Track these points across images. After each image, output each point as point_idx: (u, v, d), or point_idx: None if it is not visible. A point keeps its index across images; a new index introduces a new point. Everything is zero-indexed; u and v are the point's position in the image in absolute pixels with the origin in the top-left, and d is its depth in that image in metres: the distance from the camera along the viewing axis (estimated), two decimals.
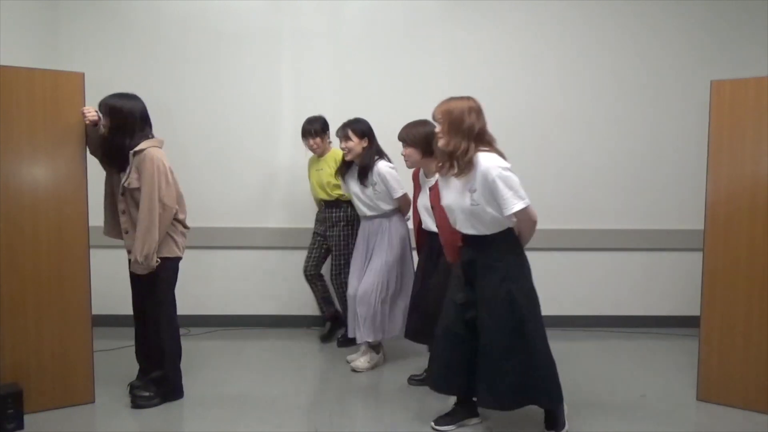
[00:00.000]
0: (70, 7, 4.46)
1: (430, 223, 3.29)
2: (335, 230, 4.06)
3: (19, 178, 2.97)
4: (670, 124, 4.57)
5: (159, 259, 3.02)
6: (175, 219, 3.10)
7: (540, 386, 2.72)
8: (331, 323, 4.27)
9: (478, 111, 2.68)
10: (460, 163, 2.62)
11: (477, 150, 2.63)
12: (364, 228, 3.80)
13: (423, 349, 3.62)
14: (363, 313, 3.58)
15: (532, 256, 4.53)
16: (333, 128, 3.83)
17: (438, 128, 2.68)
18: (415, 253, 3.71)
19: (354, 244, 3.89)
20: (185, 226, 3.20)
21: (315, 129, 4.00)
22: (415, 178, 3.48)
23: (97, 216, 3.19)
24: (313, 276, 4.20)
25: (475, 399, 3.02)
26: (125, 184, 3.01)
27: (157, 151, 3.02)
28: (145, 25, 4.50)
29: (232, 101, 4.54)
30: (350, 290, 3.71)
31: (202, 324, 4.53)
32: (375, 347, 3.79)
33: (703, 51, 4.52)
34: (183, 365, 3.28)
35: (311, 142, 4.02)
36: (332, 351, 4.01)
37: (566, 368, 3.78)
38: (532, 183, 4.52)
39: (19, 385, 2.95)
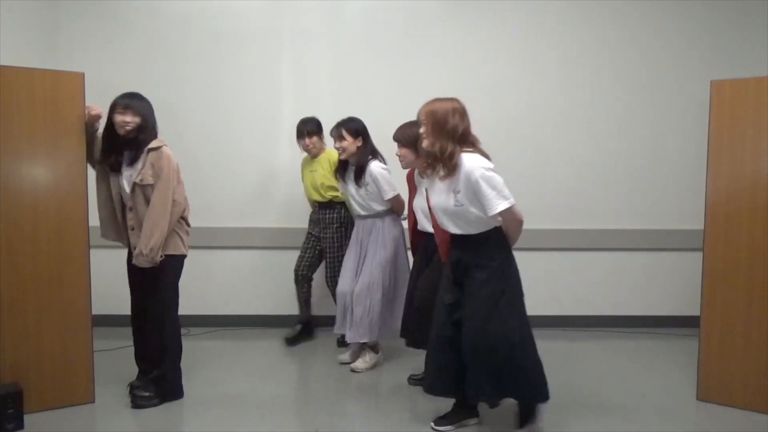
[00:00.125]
0: (70, 7, 4.46)
1: (425, 224, 3.28)
2: (329, 232, 4.05)
3: (19, 178, 2.97)
4: (670, 124, 4.58)
5: (163, 255, 3.04)
6: (181, 217, 3.14)
7: (523, 382, 2.71)
8: (301, 327, 4.25)
9: (462, 112, 2.68)
10: (447, 166, 2.63)
11: (461, 151, 2.64)
12: (357, 228, 3.80)
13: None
14: (358, 314, 3.58)
15: (532, 256, 4.62)
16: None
17: (422, 129, 2.68)
18: (410, 254, 3.70)
19: (348, 246, 3.89)
20: (188, 224, 3.23)
21: (309, 129, 3.99)
22: (410, 178, 3.48)
23: (97, 216, 3.19)
24: (303, 277, 4.18)
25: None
26: (137, 180, 3.02)
27: (169, 150, 3.08)
28: (145, 25, 4.50)
29: (231, 101, 4.54)
30: (340, 288, 3.70)
31: (202, 324, 4.53)
32: (374, 347, 3.80)
33: (703, 51, 4.52)
34: (183, 365, 3.28)
35: (307, 142, 4.01)
36: (332, 351, 4.01)
37: (566, 368, 3.80)
38: (532, 183, 4.59)
39: (19, 385, 2.95)
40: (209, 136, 4.52)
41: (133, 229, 3.08)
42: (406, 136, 3.25)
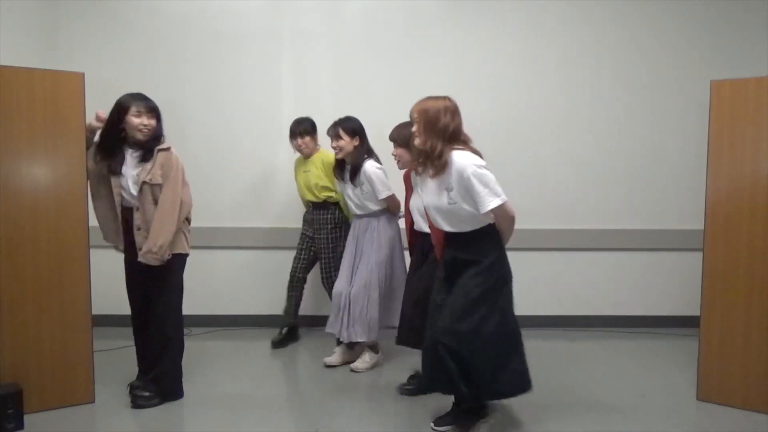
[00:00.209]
0: (70, 7, 4.46)
1: (421, 224, 3.28)
2: (323, 233, 4.05)
3: (19, 178, 2.97)
4: (670, 124, 4.58)
5: (170, 254, 3.06)
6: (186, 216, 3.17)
7: (496, 380, 2.70)
8: (288, 331, 4.25)
9: (453, 111, 2.68)
10: (436, 165, 2.63)
11: (451, 149, 2.64)
12: (354, 227, 3.80)
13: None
14: (355, 313, 3.58)
15: (532, 256, 4.63)
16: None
17: (414, 127, 2.69)
18: (407, 254, 3.70)
19: (342, 247, 3.88)
20: (189, 223, 3.25)
21: (302, 130, 3.98)
22: (407, 179, 3.48)
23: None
24: (300, 279, 4.18)
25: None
26: (147, 179, 3.03)
27: (175, 151, 3.13)
28: (145, 25, 4.50)
29: (231, 101, 4.54)
30: (336, 287, 3.70)
31: (202, 324, 4.53)
32: (373, 347, 3.80)
33: (703, 51, 4.52)
34: (183, 365, 3.28)
35: (299, 142, 4.00)
36: (332, 351, 4.00)
37: (566, 368, 3.81)
38: (532, 183, 4.59)
39: (19, 385, 2.95)
40: (209, 135, 4.52)
41: (139, 229, 3.08)
42: (402, 136, 3.25)
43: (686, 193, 4.48)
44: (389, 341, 3.79)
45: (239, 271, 4.64)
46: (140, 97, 3.08)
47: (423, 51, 4.52)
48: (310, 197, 4.07)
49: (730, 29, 4.51)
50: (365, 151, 3.66)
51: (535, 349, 4.17)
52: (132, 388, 3.21)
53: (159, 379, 3.19)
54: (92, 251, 3.15)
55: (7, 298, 2.96)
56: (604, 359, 3.99)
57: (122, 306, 3.29)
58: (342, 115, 3.73)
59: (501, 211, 2.62)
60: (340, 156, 3.67)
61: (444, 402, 3.00)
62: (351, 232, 3.81)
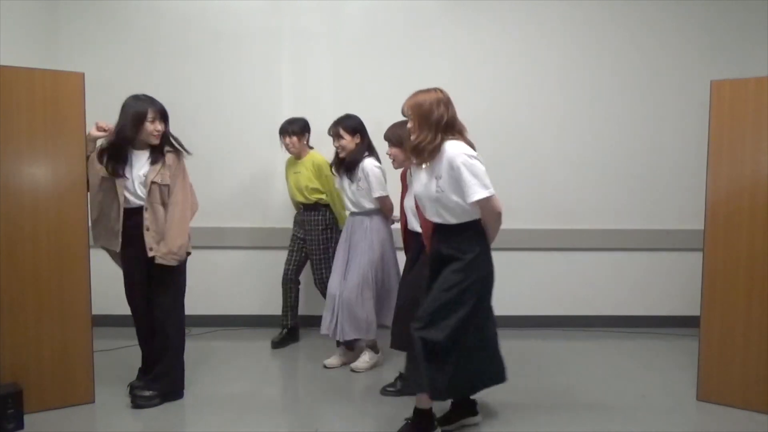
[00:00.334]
0: (70, 7, 4.47)
1: (414, 223, 3.28)
2: (313, 234, 4.05)
3: (19, 178, 2.97)
4: (670, 124, 4.58)
5: (189, 252, 3.13)
6: None
7: (465, 376, 2.69)
8: (287, 332, 4.25)
9: (446, 102, 2.67)
10: (424, 152, 2.62)
11: (445, 139, 2.63)
12: (347, 225, 3.79)
13: None
14: (349, 312, 3.57)
15: (532, 256, 4.64)
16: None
17: (409, 124, 2.68)
18: (400, 254, 3.70)
19: (333, 248, 3.88)
20: None
21: (293, 129, 3.99)
22: (403, 178, 3.47)
23: None
24: (292, 280, 4.19)
25: (472, 398, 3.03)
26: (157, 180, 3.06)
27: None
28: (145, 25, 4.51)
29: (231, 101, 4.54)
30: (329, 288, 3.70)
31: (202, 324, 4.53)
32: (373, 347, 3.80)
33: (703, 51, 4.52)
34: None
35: (287, 140, 4.01)
36: (332, 351, 4.00)
37: (566, 368, 3.81)
38: (532, 182, 4.59)
39: (19, 385, 2.95)
40: (209, 135, 4.52)
41: (148, 229, 3.09)
42: (397, 136, 3.25)
43: (686, 193, 4.48)
44: (388, 341, 3.79)
45: (239, 271, 4.64)
46: (150, 101, 3.10)
47: (423, 51, 4.52)
48: (300, 198, 4.07)
49: (730, 29, 4.51)
50: (366, 147, 3.66)
51: (535, 349, 4.20)
52: (132, 388, 3.21)
53: (160, 378, 3.19)
54: (92, 251, 3.15)
55: (7, 298, 2.96)
56: (604, 359, 3.99)
57: (122, 306, 3.29)
58: (341, 114, 3.73)
59: (487, 204, 2.60)
60: (343, 155, 3.67)
61: (444, 402, 3.00)
62: (344, 231, 3.81)
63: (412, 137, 2.67)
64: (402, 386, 3.30)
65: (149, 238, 3.09)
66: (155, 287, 3.17)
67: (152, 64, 4.50)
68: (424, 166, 2.70)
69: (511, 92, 4.56)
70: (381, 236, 3.67)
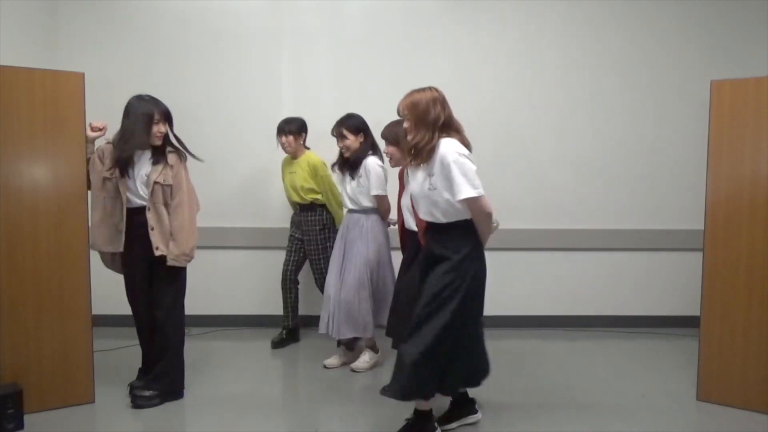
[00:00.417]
0: (70, 7, 4.47)
1: (411, 222, 3.28)
2: (311, 235, 4.05)
3: (19, 178, 2.97)
4: (670, 124, 4.58)
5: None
6: None
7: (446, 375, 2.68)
8: (287, 332, 4.25)
9: (442, 101, 2.66)
10: (423, 152, 2.62)
11: (440, 137, 2.63)
12: (343, 223, 3.79)
13: None
14: (345, 311, 3.58)
15: (532, 256, 4.64)
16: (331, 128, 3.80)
17: (406, 124, 2.68)
18: (395, 255, 3.70)
19: (332, 248, 3.88)
20: None
21: (289, 128, 3.99)
22: (401, 177, 3.47)
23: None
24: (292, 281, 4.19)
25: (471, 397, 3.04)
26: (160, 180, 3.07)
27: None
28: (145, 24, 4.51)
29: (231, 101, 4.54)
30: (326, 286, 3.70)
31: (202, 324, 4.53)
32: (373, 347, 3.80)
33: (703, 51, 4.52)
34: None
35: (283, 140, 4.01)
36: (332, 351, 4.00)
37: (566, 368, 3.81)
38: (532, 183, 4.59)
39: (19, 385, 2.95)
40: (209, 135, 4.52)
41: (153, 229, 3.09)
42: (394, 134, 3.24)
43: (686, 193, 4.48)
44: (388, 341, 3.80)
45: (239, 271, 4.64)
46: (155, 102, 3.11)
47: (423, 51, 4.52)
48: (296, 198, 4.07)
49: (730, 29, 4.50)
50: (369, 146, 3.66)
51: (535, 349, 4.20)
52: (132, 388, 3.21)
53: (160, 378, 3.19)
54: (92, 251, 3.14)
55: (7, 298, 2.96)
56: (604, 359, 3.99)
57: (122, 306, 3.29)
58: (342, 114, 3.73)
59: (475, 204, 2.59)
60: (347, 155, 3.66)
61: (444, 401, 3.00)
62: (340, 229, 3.81)
63: (409, 137, 2.67)
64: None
65: (155, 238, 3.09)
66: (156, 287, 3.17)
67: (152, 64, 4.50)
68: (420, 167, 2.69)
69: (511, 92, 4.56)
70: (377, 236, 3.67)
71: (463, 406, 2.99)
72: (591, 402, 3.28)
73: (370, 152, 3.65)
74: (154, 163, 3.09)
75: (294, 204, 4.18)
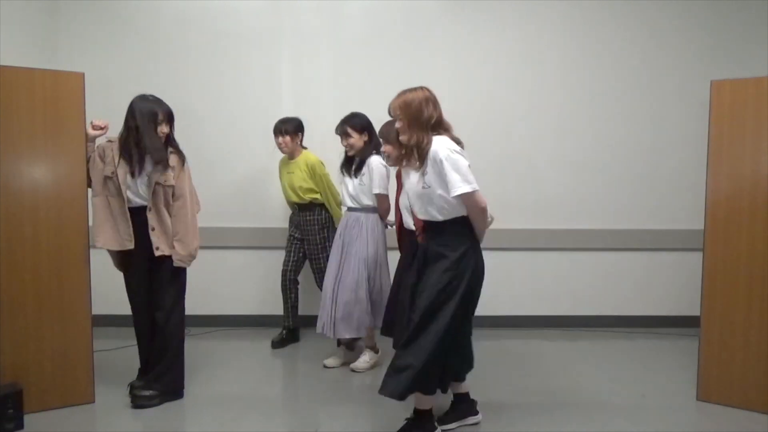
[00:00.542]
0: (70, 7, 4.47)
1: (410, 221, 3.28)
2: (311, 235, 4.05)
3: (19, 178, 2.97)
4: (670, 124, 4.58)
5: None
6: None
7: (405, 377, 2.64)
8: (287, 332, 4.25)
9: (434, 101, 2.66)
10: (421, 156, 2.61)
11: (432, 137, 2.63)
12: (342, 221, 3.79)
13: None
14: (342, 310, 3.58)
15: (532, 256, 4.64)
16: (334, 127, 3.79)
17: (398, 124, 2.67)
18: (391, 255, 3.70)
19: (331, 248, 3.88)
20: None
21: (286, 128, 3.98)
22: (399, 176, 3.47)
23: None
24: (292, 281, 4.19)
25: (473, 398, 3.04)
26: (162, 181, 3.07)
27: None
28: (145, 25, 4.51)
29: (231, 101, 4.54)
30: (324, 285, 3.71)
31: (202, 324, 4.53)
32: (373, 347, 3.80)
33: (703, 51, 4.53)
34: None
35: (280, 140, 4.01)
36: (332, 351, 4.00)
37: (566, 368, 3.81)
38: (532, 182, 4.60)
39: (19, 385, 2.95)
40: (209, 135, 4.52)
41: (153, 229, 3.10)
42: (390, 133, 3.24)
43: (686, 193, 4.48)
44: (388, 341, 3.80)
45: (239, 271, 4.64)
46: (158, 103, 3.12)
47: (423, 51, 4.52)
48: (295, 198, 4.07)
49: (730, 29, 4.51)
50: (373, 146, 3.66)
51: (536, 349, 4.20)
52: (132, 388, 3.21)
53: (160, 378, 3.19)
54: (92, 251, 3.14)
55: (7, 298, 2.96)
56: (604, 359, 3.99)
57: (122, 306, 3.29)
58: (342, 114, 3.73)
59: (470, 199, 2.59)
60: (351, 153, 3.66)
61: (444, 401, 3.00)
62: (339, 227, 3.81)
63: (403, 138, 2.66)
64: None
65: (155, 238, 3.09)
66: (156, 287, 3.18)
67: (152, 64, 4.50)
68: (414, 168, 2.69)
69: (511, 92, 4.56)
70: (376, 236, 3.67)
71: (464, 407, 2.98)
72: (591, 402, 3.28)
73: (374, 152, 3.65)
74: (156, 163, 3.09)
75: (292, 204, 4.18)
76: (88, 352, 3.15)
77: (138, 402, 3.13)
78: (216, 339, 4.38)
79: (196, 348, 4.05)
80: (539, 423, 3.00)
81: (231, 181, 4.59)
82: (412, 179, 2.72)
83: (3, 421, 2.81)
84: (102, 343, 3.79)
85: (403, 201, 3.32)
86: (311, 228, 4.05)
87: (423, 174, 2.63)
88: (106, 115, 3.17)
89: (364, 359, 3.76)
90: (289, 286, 4.19)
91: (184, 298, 3.25)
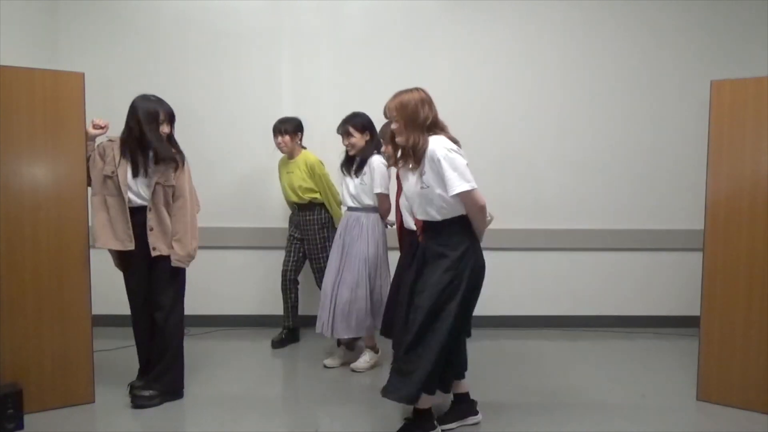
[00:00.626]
0: (70, 7, 4.47)
1: (410, 221, 3.28)
2: (311, 235, 4.05)
3: (19, 178, 2.97)
4: (670, 124, 4.58)
5: None
6: None
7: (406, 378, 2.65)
8: (287, 332, 4.25)
9: (429, 102, 2.67)
10: (417, 157, 2.62)
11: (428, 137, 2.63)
12: (343, 220, 3.79)
13: None
14: (341, 310, 3.58)
15: (532, 256, 4.64)
16: (334, 127, 3.79)
17: (394, 125, 2.67)
18: (392, 255, 3.70)
19: (331, 247, 3.87)
20: None
21: (285, 128, 3.98)
22: (399, 176, 3.47)
23: None
24: (292, 281, 4.19)
25: (473, 398, 3.04)
26: (162, 181, 3.08)
27: None
28: (145, 25, 4.51)
29: (232, 101, 4.54)
30: (324, 285, 3.71)
31: (202, 324, 4.53)
32: (373, 347, 3.80)
33: (703, 51, 4.53)
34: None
35: (279, 139, 4.01)
36: (332, 351, 4.00)
37: (566, 368, 3.81)
38: (531, 182, 4.60)
39: (19, 385, 2.95)
40: (209, 135, 4.52)
41: (152, 229, 3.10)
42: (386, 134, 3.24)
43: (686, 193, 4.48)
44: (388, 342, 3.80)
45: (239, 271, 4.64)
46: (160, 103, 3.13)
47: (423, 51, 4.52)
48: (294, 198, 4.07)
49: (730, 29, 4.51)
50: (375, 145, 3.66)
51: (536, 349, 4.20)
52: (132, 388, 3.21)
53: (159, 378, 3.19)
54: (92, 251, 3.15)
55: (7, 298, 2.96)
56: (604, 359, 3.99)
57: (122, 306, 3.29)
58: (342, 114, 3.73)
59: (469, 197, 2.59)
60: (352, 153, 3.66)
61: (444, 401, 3.00)
62: (339, 227, 3.80)
63: (399, 139, 2.67)
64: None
65: (153, 238, 3.09)
66: (156, 287, 3.18)
67: (152, 64, 4.50)
68: (411, 169, 2.69)
69: (511, 92, 4.56)
70: (376, 236, 3.67)
71: (464, 407, 2.98)
72: (591, 402, 3.28)
73: (375, 151, 3.65)
74: (156, 163, 3.09)
75: (292, 204, 4.18)
76: (88, 352, 3.15)
77: (138, 402, 3.13)
78: (216, 339, 4.38)
79: (196, 348, 4.05)
80: (539, 423, 3.00)
81: (231, 181, 4.60)
82: (410, 180, 2.72)
83: (3, 421, 2.81)
84: (102, 343, 3.79)
85: (404, 201, 3.32)
86: (311, 228, 4.05)
87: (421, 174, 2.63)
88: (106, 115, 3.17)
89: (364, 359, 3.76)
90: (289, 286, 4.19)
91: (183, 299, 3.26)
